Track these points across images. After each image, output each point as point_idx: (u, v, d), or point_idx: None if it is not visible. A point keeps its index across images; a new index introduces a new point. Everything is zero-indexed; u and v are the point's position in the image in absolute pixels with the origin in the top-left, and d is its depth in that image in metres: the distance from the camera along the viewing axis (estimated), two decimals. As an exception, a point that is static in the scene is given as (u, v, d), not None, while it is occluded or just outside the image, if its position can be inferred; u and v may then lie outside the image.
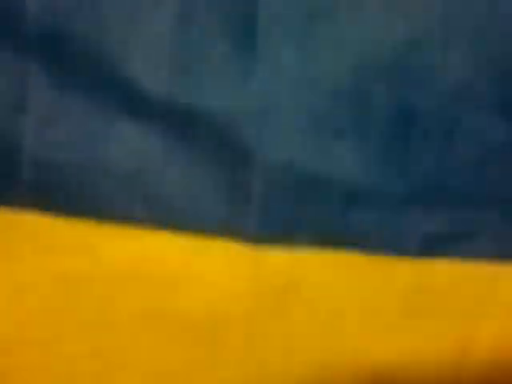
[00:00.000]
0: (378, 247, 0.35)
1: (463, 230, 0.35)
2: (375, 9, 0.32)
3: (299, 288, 0.34)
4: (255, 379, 0.34)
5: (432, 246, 0.36)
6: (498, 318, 0.36)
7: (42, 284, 0.35)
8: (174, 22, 0.32)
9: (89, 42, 0.33)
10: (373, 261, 0.35)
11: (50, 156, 0.33)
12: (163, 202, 0.34)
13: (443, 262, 0.36)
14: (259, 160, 0.33)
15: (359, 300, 0.35)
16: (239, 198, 0.34)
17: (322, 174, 0.34)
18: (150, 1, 0.32)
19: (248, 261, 0.34)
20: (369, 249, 0.35)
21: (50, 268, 0.34)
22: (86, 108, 0.33)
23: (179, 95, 0.33)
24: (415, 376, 0.36)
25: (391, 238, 0.35)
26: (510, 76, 0.33)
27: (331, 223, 0.34)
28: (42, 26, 0.33)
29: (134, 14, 0.32)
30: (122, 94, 0.33)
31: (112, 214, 0.34)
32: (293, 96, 0.33)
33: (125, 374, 0.35)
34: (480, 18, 0.32)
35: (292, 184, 0.34)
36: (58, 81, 0.33)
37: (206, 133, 0.33)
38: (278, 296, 0.34)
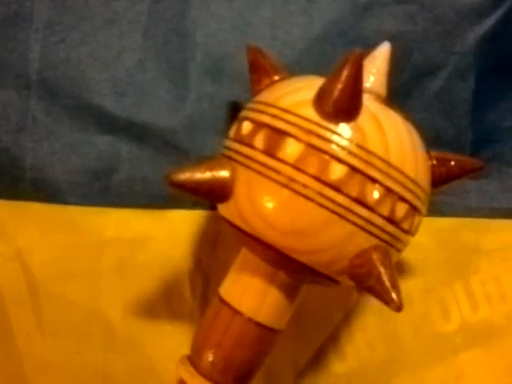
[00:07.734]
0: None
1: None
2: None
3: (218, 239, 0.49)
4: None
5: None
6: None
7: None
8: (133, 67, 0.46)
9: (73, 81, 0.45)
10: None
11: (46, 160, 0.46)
12: (125, 187, 0.47)
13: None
14: (192, 155, 0.47)
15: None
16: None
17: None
18: (116, 52, 0.45)
19: (185, 223, 0.48)
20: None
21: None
22: (70, 126, 0.46)
23: (136, 116, 0.46)
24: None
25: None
26: None
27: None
28: (39, 72, 0.45)
29: (104, 62, 0.45)
30: (96, 116, 0.46)
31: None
32: (209, 112, 0.47)
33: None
34: None
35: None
36: (51, 109, 0.46)
37: (154, 139, 0.47)
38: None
